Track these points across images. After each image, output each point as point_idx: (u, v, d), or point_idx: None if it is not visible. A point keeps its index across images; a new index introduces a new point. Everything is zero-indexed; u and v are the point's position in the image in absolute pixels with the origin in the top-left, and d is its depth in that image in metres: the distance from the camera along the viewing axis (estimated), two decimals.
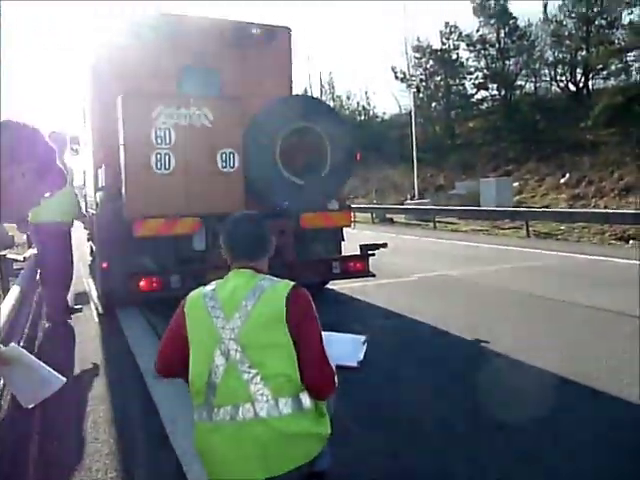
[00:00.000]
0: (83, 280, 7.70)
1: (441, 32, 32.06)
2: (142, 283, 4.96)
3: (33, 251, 5.94)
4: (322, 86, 39.05)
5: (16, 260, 6.14)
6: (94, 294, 6.67)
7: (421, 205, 20.05)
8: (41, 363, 1.76)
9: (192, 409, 1.89)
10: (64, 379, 1.79)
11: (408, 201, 22.89)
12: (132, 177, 4.97)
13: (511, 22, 29.97)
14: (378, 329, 4.93)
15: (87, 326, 5.53)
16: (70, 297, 6.17)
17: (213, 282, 1.96)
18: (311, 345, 1.83)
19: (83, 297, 6.85)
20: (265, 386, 1.74)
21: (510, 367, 3.95)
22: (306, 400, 1.82)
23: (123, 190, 5.08)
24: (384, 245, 6.11)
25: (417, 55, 32.94)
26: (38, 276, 5.61)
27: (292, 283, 1.91)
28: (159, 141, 4.99)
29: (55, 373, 1.78)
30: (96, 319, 5.80)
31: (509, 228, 14.77)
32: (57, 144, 5.37)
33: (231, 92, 5.81)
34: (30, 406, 1.77)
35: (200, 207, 5.24)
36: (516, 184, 21.73)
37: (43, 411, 2.84)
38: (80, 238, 8.13)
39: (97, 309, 6.16)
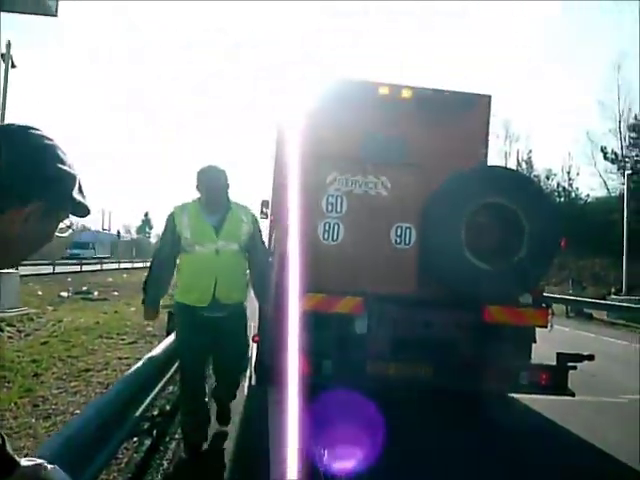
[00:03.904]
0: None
1: None
2: None
3: None
4: (519, 164, 37.20)
5: None
6: (253, 361, 6.39)
7: (631, 303, 17.13)
8: None
9: None
10: None
11: (612, 296, 19.87)
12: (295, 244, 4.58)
13: None
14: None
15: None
16: None
17: None
18: None
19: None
20: None
21: None
22: None
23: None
24: (590, 357, 4.80)
25: (633, 135, 29.72)
26: None
27: None
28: (329, 209, 4.57)
29: None
30: (246, 391, 5.43)
31: None
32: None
33: (417, 161, 5.23)
34: None
35: (366, 284, 4.63)
36: None
37: None
38: None
39: (251, 379, 5.81)
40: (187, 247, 3.91)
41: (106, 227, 55.88)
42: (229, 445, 4.26)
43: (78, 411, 4.67)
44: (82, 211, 1.17)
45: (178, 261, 4.05)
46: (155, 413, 4.58)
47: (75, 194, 1.13)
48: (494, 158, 37.52)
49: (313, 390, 4.13)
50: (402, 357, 4.58)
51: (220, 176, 3.94)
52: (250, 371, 6.10)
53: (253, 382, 5.64)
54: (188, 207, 3.99)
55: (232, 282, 3.97)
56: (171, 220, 3.97)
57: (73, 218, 1.22)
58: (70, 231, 1.22)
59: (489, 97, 5.76)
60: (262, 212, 8.81)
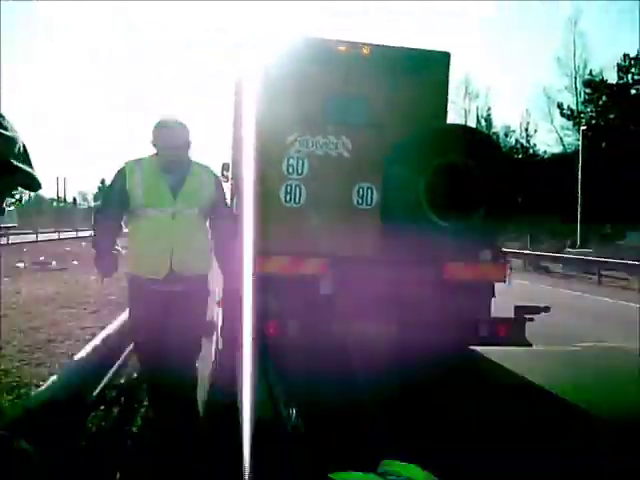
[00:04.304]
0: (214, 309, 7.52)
1: (619, 65, 29.14)
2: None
3: None
4: (478, 122, 37.54)
5: None
6: (219, 325, 6.40)
7: (584, 255, 17.81)
8: None
9: None
10: None
11: (568, 249, 20.59)
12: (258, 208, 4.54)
13: None
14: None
15: (202, 364, 5.18)
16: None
17: None
18: None
19: (210, 326, 6.62)
20: None
21: None
22: None
23: None
24: (546, 309, 5.01)
25: (588, 91, 30.25)
26: None
27: None
28: (290, 171, 4.54)
29: None
30: (212, 357, 5.44)
31: None
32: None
33: (377, 121, 5.20)
34: None
35: (330, 246, 4.66)
36: None
37: None
38: None
39: (217, 343, 5.83)
40: (138, 210, 3.38)
41: (61, 195, 53.47)
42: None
43: (42, 383, 4.61)
44: (26, 180, 1.02)
45: (125, 227, 3.59)
46: (122, 381, 4.57)
47: (13, 161, 0.97)
48: (454, 116, 37.67)
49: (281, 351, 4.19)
50: (367, 316, 4.65)
51: (182, 130, 3.40)
52: (217, 335, 6.12)
53: (220, 347, 5.66)
54: (143, 163, 3.44)
55: (191, 251, 3.44)
56: (122, 176, 3.39)
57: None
58: (17, 205, 1.10)
59: (448, 54, 5.73)
60: (223, 175, 8.68)
